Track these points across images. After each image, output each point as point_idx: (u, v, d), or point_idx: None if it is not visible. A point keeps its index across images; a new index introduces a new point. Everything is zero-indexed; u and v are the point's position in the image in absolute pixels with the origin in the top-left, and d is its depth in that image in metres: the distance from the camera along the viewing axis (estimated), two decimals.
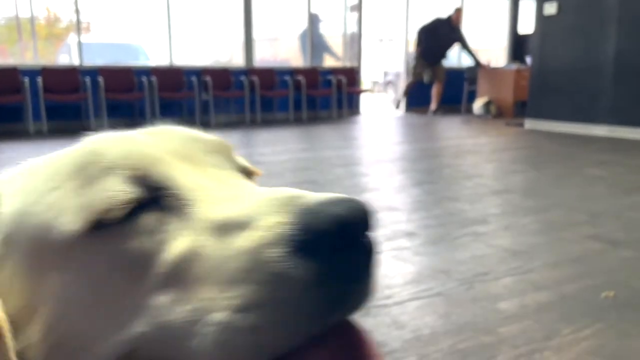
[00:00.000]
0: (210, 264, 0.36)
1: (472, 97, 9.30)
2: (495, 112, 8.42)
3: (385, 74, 13.13)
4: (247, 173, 0.49)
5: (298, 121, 8.07)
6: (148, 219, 0.39)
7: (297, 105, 8.28)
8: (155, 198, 0.40)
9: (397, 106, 9.46)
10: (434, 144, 5.68)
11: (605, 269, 1.92)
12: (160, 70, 7.40)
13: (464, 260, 2.01)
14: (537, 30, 6.55)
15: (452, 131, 6.80)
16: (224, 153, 0.48)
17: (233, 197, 0.40)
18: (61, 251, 0.39)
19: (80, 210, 0.39)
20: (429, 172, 4.02)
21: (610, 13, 5.71)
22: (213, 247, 0.37)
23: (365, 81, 9.33)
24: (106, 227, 0.38)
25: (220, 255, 0.36)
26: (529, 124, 6.75)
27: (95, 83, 6.84)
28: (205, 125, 7.34)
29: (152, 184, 0.40)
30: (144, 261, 0.38)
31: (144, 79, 7.15)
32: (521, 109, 8.40)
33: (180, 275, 0.37)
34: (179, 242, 0.38)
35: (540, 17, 6.44)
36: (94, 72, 6.94)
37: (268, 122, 7.89)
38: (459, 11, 8.48)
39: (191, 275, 0.37)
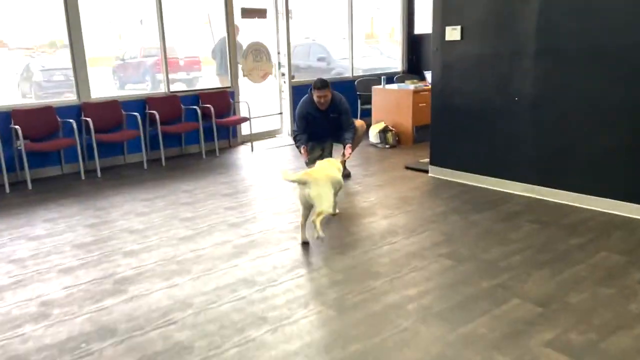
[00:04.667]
0: None
1: (365, 114, 8.06)
2: (393, 141, 7.19)
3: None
4: None
5: (153, 165, 6.40)
6: None
7: (154, 143, 6.58)
8: None
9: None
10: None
11: None
12: None
13: None
14: (437, 60, 5.27)
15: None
16: None
17: None
18: None
19: None
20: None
21: (526, 44, 4.52)
22: None
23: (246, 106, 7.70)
24: None
25: None
26: (434, 171, 5.52)
27: None
28: (17, 185, 5.49)
29: None
30: None
31: None
32: (421, 134, 7.24)
33: None
34: None
35: (442, 43, 5.17)
36: None
37: (113, 172, 6.15)
38: (318, 90, 5.21)
39: None
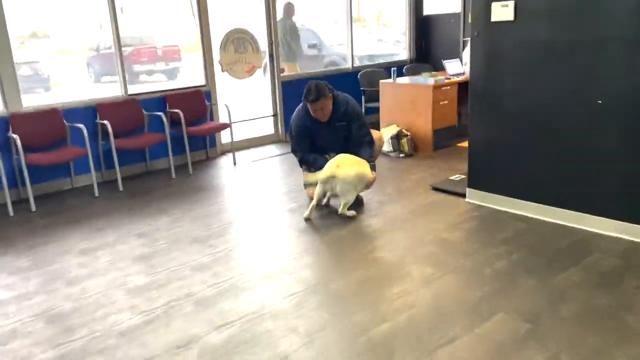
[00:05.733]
0: None
1: (371, 113, 6.71)
2: (409, 149, 5.82)
3: None
4: None
5: (108, 189, 5.00)
6: None
7: (109, 160, 5.17)
8: None
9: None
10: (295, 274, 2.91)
11: None
12: None
13: None
14: (479, 49, 3.89)
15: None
16: None
17: None
18: None
19: None
20: None
21: (617, 28, 3.16)
22: None
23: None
24: None
25: None
26: (474, 196, 4.17)
27: None
28: None
29: None
30: None
31: None
32: (440, 138, 5.90)
33: None
34: None
35: (486, 25, 3.79)
36: None
37: (54, 201, 4.75)
38: (312, 104, 3.90)
39: None
